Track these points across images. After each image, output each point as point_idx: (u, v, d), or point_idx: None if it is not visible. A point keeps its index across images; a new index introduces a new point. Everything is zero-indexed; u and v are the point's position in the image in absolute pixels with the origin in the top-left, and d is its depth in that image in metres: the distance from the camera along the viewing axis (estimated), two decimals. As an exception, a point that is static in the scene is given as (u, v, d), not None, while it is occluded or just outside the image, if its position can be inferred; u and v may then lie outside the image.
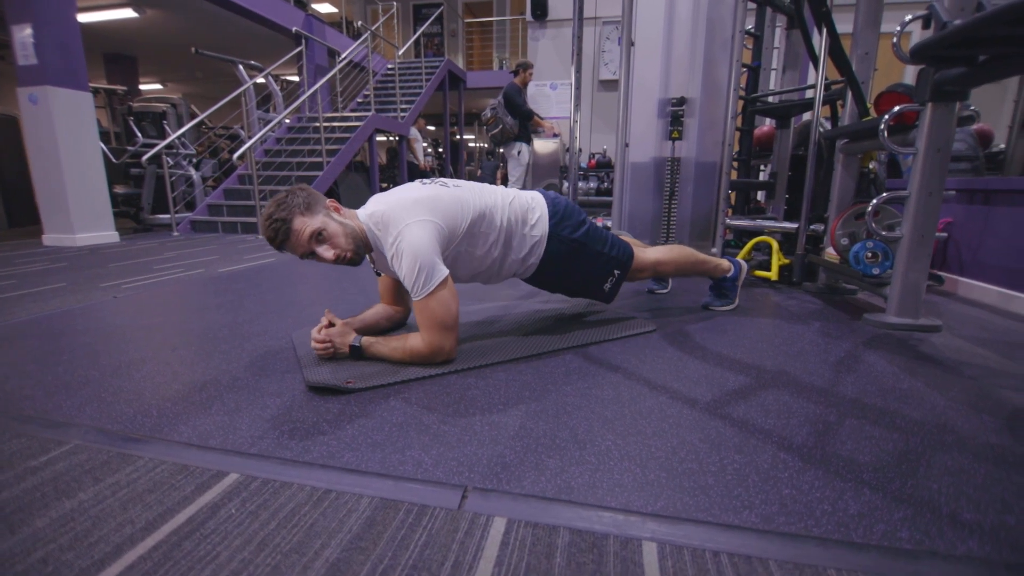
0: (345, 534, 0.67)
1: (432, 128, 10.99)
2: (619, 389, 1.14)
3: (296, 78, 6.93)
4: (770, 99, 2.70)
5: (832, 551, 0.64)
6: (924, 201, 1.50)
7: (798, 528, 0.68)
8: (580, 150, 4.01)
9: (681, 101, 3.05)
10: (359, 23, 6.91)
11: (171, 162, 4.88)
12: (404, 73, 7.63)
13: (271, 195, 1.58)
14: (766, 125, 3.08)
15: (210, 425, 0.97)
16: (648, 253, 1.65)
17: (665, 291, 2.12)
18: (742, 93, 2.64)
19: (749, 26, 2.79)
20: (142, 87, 8.69)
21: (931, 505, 0.72)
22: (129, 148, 5.11)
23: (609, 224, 3.04)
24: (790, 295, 2.10)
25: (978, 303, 2.02)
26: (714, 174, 2.91)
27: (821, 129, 2.16)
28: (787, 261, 2.27)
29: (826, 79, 2.07)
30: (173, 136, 4.81)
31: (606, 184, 5.67)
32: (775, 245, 2.30)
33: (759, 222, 2.45)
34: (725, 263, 1.80)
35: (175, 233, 4.60)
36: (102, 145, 4.08)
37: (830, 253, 2.19)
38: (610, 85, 6.64)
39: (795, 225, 2.20)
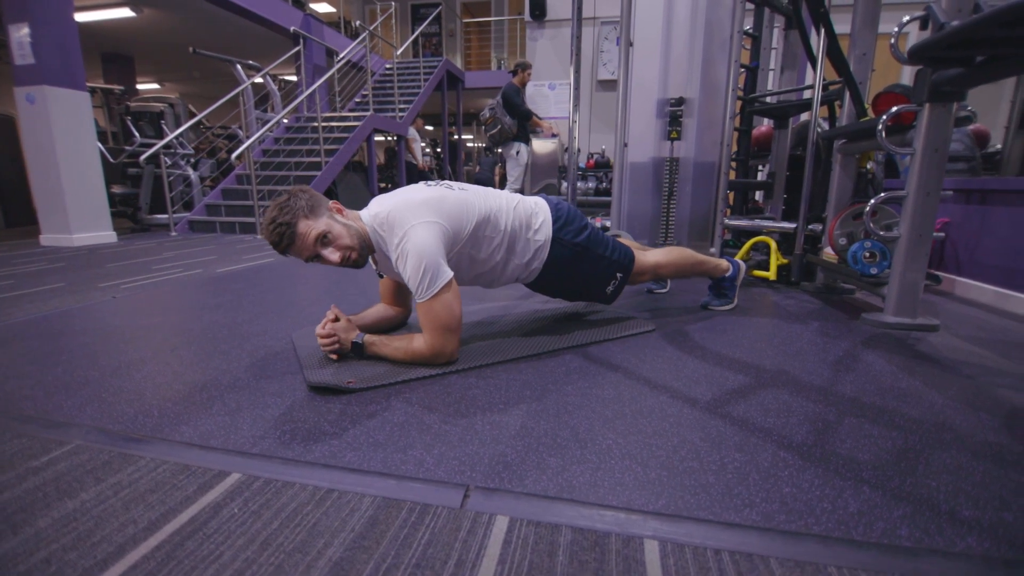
0: (348, 533, 0.68)
1: (430, 128, 10.98)
2: (619, 388, 1.14)
3: (294, 78, 6.93)
4: (768, 99, 2.70)
5: (832, 549, 0.64)
6: (922, 201, 1.51)
7: (798, 526, 0.68)
8: (579, 150, 4.01)
9: (680, 101, 3.05)
10: (357, 23, 6.90)
11: (169, 162, 4.87)
12: (402, 73, 7.62)
13: (269, 195, 1.58)
14: (764, 125, 3.09)
15: (211, 425, 0.97)
16: (648, 256, 1.66)
17: (664, 291, 2.12)
18: (740, 93, 2.64)
19: (747, 27, 2.79)
20: (139, 87, 8.68)
21: (930, 503, 0.73)
22: (127, 148, 5.11)
23: (608, 224, 3.04)
24: (788, 295, 2.11)
25: (975, 302, 2.03)
26: (712, 174, 2.92)
27: (819, 129, 2.17)
28: (785, 261, 2.28)
29: (824, 79, 2.08)
30: (171, 136, 4.80)
31: (605, 184, 5.68)
32: (773, 245, 2.31)
33: (757, 222, 2.45)
34: (724, 263, 1.81)
35: (173, 233, 4.58)
36: (99, 145, 4.06)
37: (828, 253, 2.19)
38: (609, 85, 6.64)
39: (793, 225, 2.21)
